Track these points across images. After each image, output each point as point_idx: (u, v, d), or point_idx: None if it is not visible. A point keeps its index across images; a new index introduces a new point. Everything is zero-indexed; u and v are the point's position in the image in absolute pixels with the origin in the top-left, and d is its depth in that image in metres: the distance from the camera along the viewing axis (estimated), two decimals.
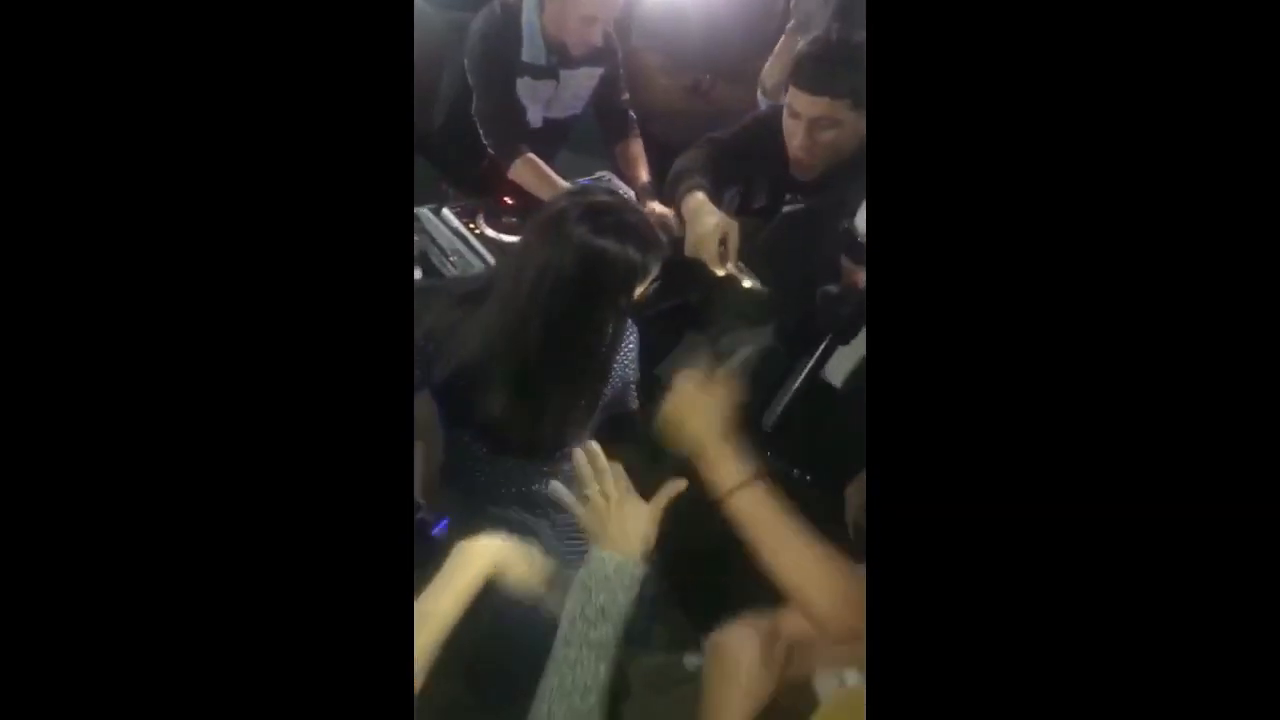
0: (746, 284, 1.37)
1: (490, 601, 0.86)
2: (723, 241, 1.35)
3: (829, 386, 1.22)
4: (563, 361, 1.08)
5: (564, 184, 1.81)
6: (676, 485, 0.89)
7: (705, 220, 1.37)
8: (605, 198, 1.07)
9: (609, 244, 1.00)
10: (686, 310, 1.69)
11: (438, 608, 0.81)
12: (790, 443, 1.41)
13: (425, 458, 1.33)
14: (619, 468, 0.90)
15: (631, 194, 1.88)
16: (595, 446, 0.90)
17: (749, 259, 1.42)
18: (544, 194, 1.79)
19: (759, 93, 1.86)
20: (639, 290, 1.08)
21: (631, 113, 1.97)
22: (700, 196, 1.42)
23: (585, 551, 0.85)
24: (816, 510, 1.17)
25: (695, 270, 1.42)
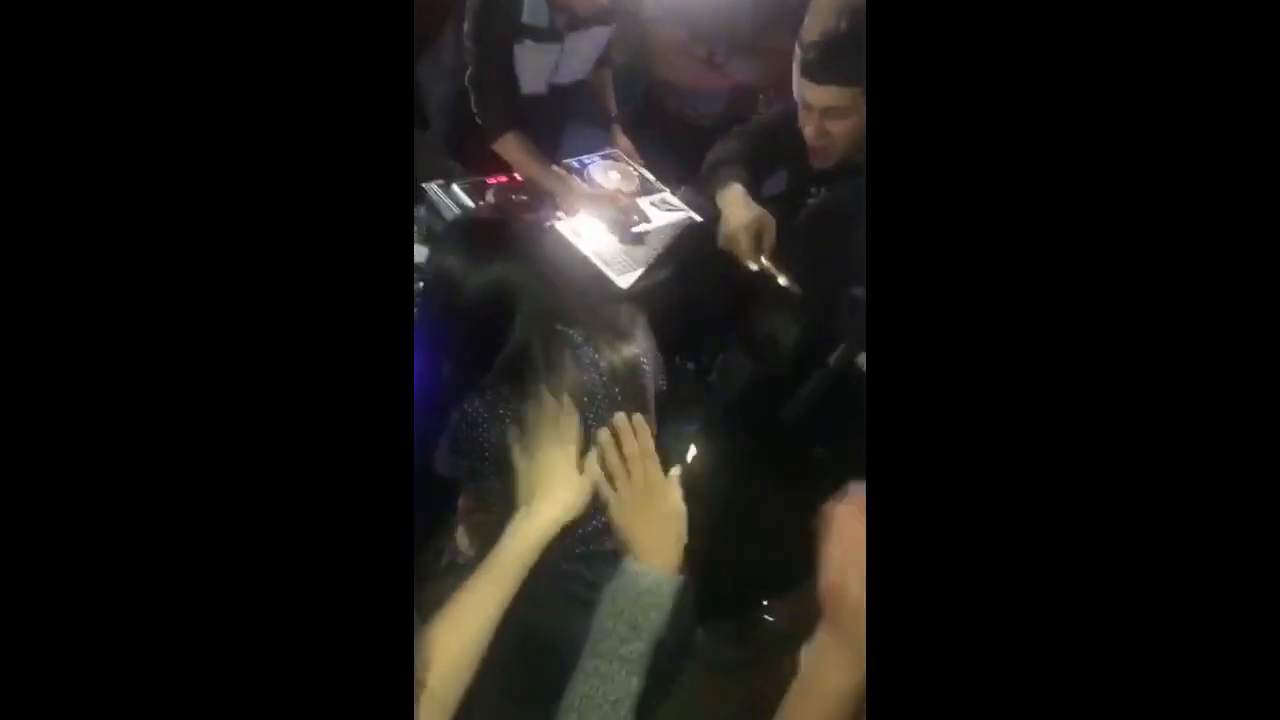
0: (781, 282, 1.33)
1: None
2: (758, 236, 1.32)
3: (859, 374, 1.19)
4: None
5: (545, 164, 1.76)
6: (677, 471, 0.83)
7: (741, 213, 1.34)
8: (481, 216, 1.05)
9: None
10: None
11: (497, 591, 0.78)
12: (813, 426, 1.39)
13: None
14: (653, 454, 0.81)
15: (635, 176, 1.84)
16: (626, 421, 0.81)
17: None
18: (529, 174, 1.75)
19: (796, 47, 1.79)
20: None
21: (607, 43, 1.90)
22: (738, 188, 1.38)
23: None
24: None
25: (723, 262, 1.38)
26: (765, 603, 1.48)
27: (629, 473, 0.80)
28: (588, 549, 1.04)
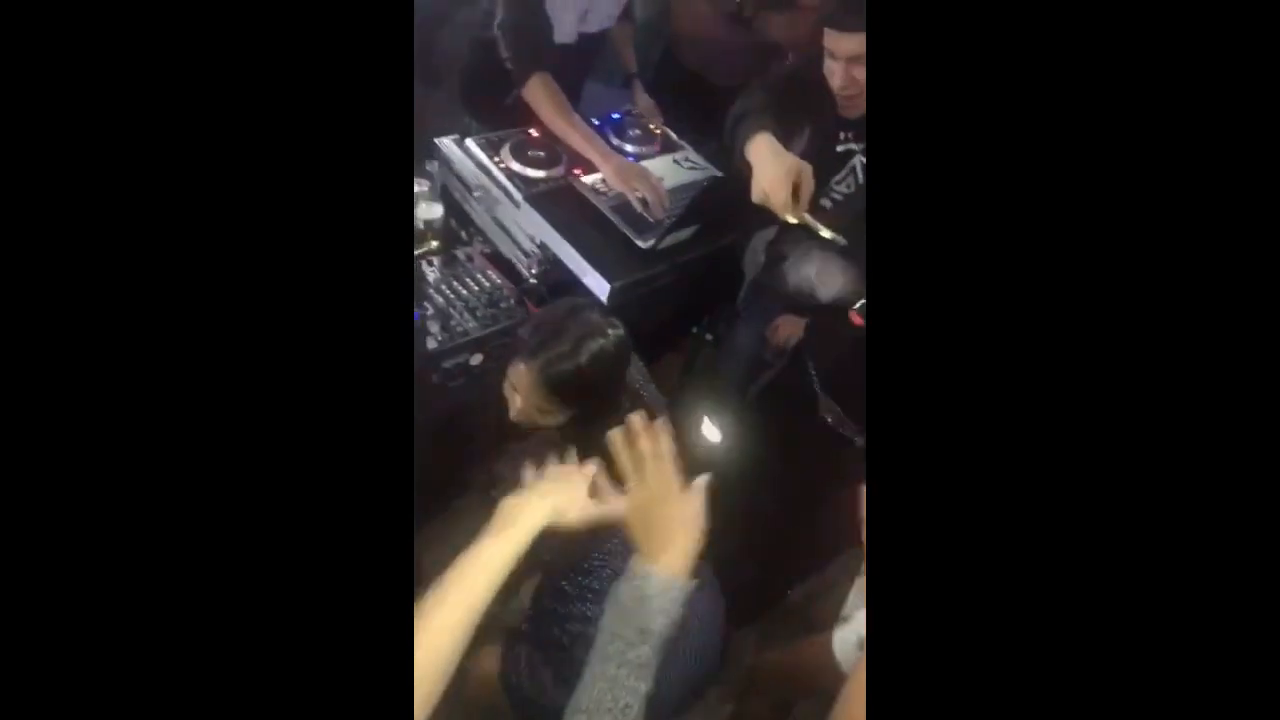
0: (825, 234, 1.25)
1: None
2: (795, 186, 1.24)
3: None
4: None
5: (574, 115, 1.67)
6: (705, 479, 0.81)
7: (775, 163, 1.25)
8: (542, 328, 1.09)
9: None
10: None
11: (489, 569, 0.74)
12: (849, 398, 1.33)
13: None
14: (669, 456, 0.79)
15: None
16: (642, 421, 0.80)
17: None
18: (553, 120, 1.66)
19: None
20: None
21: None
22: (768, 137, 1.30)
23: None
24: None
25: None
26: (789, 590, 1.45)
27: (642, 473, 0.79)
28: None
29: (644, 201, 1.57)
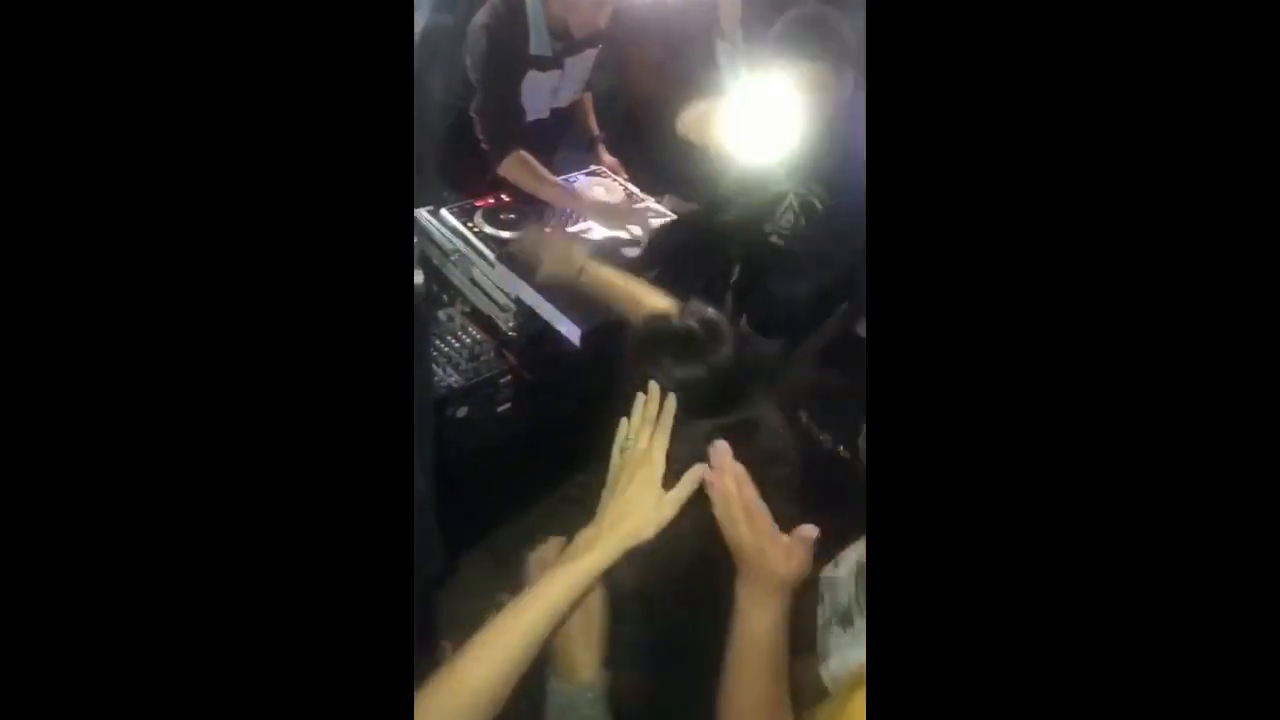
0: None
1: None
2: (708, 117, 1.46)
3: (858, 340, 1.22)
4: None
5: (554, 179, 1.82)
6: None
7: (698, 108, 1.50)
8: (667, 324, 1.01)
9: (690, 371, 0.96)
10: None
11: (553, 600, 0.70)
12: (808, 395, 1.40)
13: None
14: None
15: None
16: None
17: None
18: (536, 190, 1.80)
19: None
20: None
21: (584, 70, 1.99)
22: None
23: None
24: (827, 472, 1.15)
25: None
26: None
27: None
28: None
29: (631, 232, 1.75)
